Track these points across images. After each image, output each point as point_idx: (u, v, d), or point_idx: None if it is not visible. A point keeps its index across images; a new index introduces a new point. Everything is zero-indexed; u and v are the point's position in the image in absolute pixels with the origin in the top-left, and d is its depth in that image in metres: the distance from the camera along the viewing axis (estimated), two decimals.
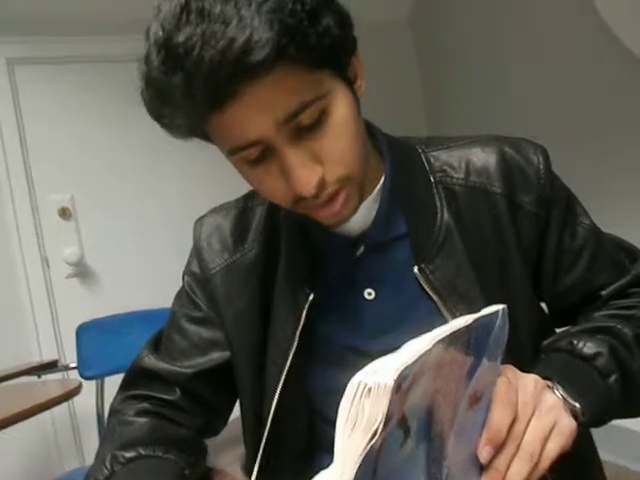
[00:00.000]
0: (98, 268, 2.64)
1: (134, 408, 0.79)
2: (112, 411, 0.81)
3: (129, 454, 0.70)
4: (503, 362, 0.66)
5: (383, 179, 0.75)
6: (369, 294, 0.75)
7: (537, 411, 0.57)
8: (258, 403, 0.77)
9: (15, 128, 2.53)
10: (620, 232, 0.85)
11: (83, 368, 2.16)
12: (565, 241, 0.77)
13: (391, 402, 0.35)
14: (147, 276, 2.61)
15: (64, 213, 2.56)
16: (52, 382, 1.81)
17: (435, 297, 0.71)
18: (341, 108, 0.63)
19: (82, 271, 2.61)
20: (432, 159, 0.78)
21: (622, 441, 1.94)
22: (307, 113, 0.60)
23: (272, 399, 0.73)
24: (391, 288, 0.75)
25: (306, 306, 0.73)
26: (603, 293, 0.78)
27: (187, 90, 0.56)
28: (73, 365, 2.18)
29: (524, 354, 0.74)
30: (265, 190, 0.67)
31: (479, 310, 0.65)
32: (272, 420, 0.73)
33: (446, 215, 0.74)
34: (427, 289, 0.72)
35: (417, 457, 0.42)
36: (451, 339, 0.45)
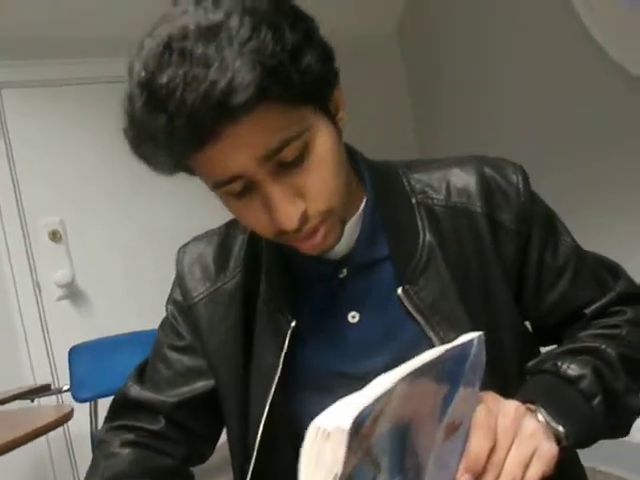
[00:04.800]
0: (89, 290, 2.64)
1: (119, 439, 0.79)
2: (98, 442, 0.82)
3: None
4: (488, 384, 0.66)
5: (364, 202, 0.76)
6: (353, 317, 0.76)
7: (517, 438, 0.57)
8: (244, 430, 0.77)
9: (4, 151, 2.54)
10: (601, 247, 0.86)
11: (76, 391, 2.16)
12: (547, 259, 0.77)
13: (350, 445, 0.36)
14: (139, 298, 2.61)
15: (54, 236, 2.56)
16: (45, 408, 1.81)
17: (419, 318, 0.72)
18: (323, 143, 0.65)
19: (73, 293, 2.62)
20: (413, 181, 0.79)
21: (615, 449, 1.95)
22: (289, 149, 0.61)
23: (258, 426, 0.73)
24: (375, 310, 0.76)
25: (288, 333, 0.74)
26: (586, 311, 0.78)
27: (170, 131, 0.56)
28: (66, 388, 2.18)
29: (509, 375, 0.74)
30: (248, 222, 0.68)
31: (463, 331, 0.66)
32: (259, 447, 0.73)
33: (428, 236, 0.75)
34: (411, 310, 0.72)
35: None
36: (422, 372, 0.46)
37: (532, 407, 0.63)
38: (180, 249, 0.87)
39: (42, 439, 2.07)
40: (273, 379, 0.73)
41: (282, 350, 0.73)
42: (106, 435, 0.81)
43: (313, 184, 0.64)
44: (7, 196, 2.52)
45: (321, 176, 0.65)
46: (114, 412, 0.84)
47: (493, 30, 2.72)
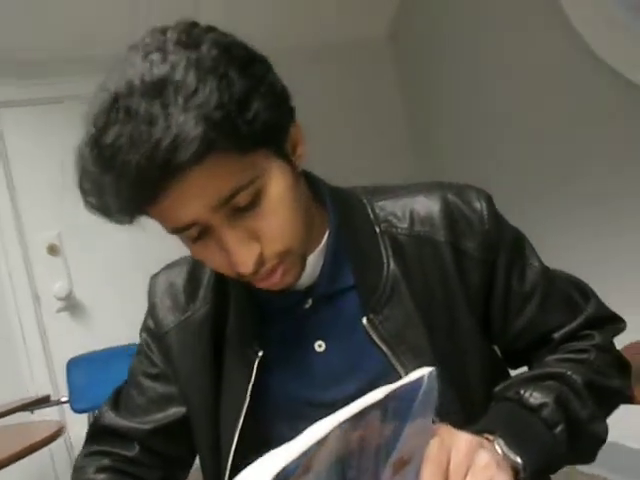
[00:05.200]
0: (87, 302, 2.69)
1: (95, 465, 0.81)
2: (75, 467, 0.83)
3: None
4: (454, 411, 0.68)
5: (328, 233, 0.76)
6: (319, 346, 0.76)
7: (471, 471, 0.56)
8: (216, 457, 0.78)
9: (1, 168, 2.59)
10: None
11: (74, 402, 2.20)
12: (513, 284, 0.77)
13: None
14: (136, 310, 2.63)
15: (52, 249, 2.61)
16: (38, 424, 1.84)
17: (384, 347, 0.72)
18: (277, 186, 0.65)
19: (72, 305, 2.66)
20: (377, 209, 0.78)
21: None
22: (241, 195, 0.61)
23: (228, 454, 0.74)
24: (341, 339, 0.76)
25: (255, 363, 0.74)
26: (555, 335, 0.78)
27: (118, 189, 0.57)
28: (65, 399, 2.22)
29: (476, 401, 0.74)
30: (208, 264, 0.69)
31: (428, 360, 0.69)
32: (230, 474, 0.74)
33: (392, 265, 0.75)
34: (376, 340, 0.72)
35: None
36: (362, 415, 0.47)
37: (490, 437, 0.62)
38: (152, 278, 0.88)
39: (45, 450, 2.11)
40: (241, 409, 0.74)
41: (250, 380, 0.74)
42: (83, 461, 0.83)
43: (268, 227, 0.64)
44: (5, 211, 2.57)
45: (276, 219, 0.65)
46: (91, 437, 0.85)
47: (494, 31, 2.67)
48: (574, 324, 0.78)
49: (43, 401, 2.15)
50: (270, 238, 0.65)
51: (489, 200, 0.78)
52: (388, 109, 3.33)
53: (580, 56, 2.22)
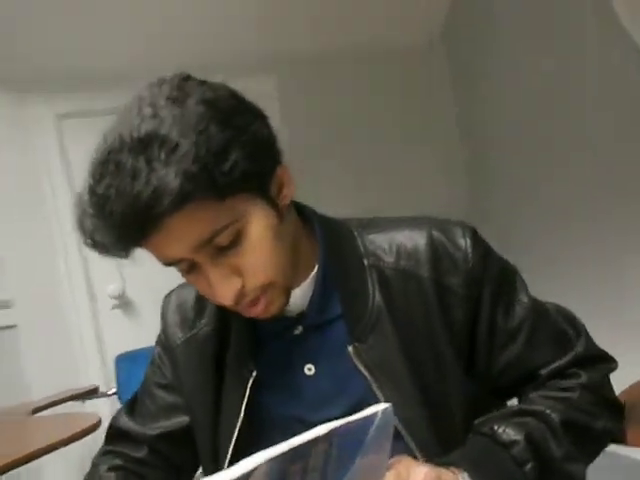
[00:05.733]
0: (138, 301, 2.85)
1: (108, 463, 0.90)
2: (92, 464, 0.93)
3: None
4: (432, 442, 0.72)
5: (317, 265, 0.80)
6: (309, 369, 0.81)
7: None
8: (215, 467, 0.82)
9: (65, 180, 2.75)
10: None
11: (122, 394, 2.35)
12: (498, 320, 0.78)
13: None
14: None
15: None
16: (79, 415, 1.99)
17: (367, 375, 0.76)
18: (257, 226, 0.70)
19: (124, 304, 2.83)
20: (367, 242, 0.81)
21: None
22: (222, 236, 0.67)
23: (224, 465, 0.79)
24: (329, 365, 0.80)
25: (249, 382, 0.80)
26: (542, 372, 0.78)
27: (108, 232, 0.65)
28: (113, 391, 2.38)
29: (455, 434, 0.76)
30: (200, 291, 0.76)
31: (406, 391, 0.74)
32: None
33: (378, 297, 0.78)
34: (359, 367, 0.76)
35: None
36: (304, 448, 0.51)
37: (456, 470, 0.65)
38: (165, 297, 0.95)
39: (89, 439, 2.26)
40: (236, 424, 0.80)
41: (244, 398, 0.80)
42: (98, 459, 0.93)
43: (249, 264, 0.70)
44: (67, 219, 2.75)
45: (256, 256, 0.70)
46: (107, 438, 0.94)
47: (550, 36, 2.58)
48: (562, 361, 0.78)
49: (92, 392, 2.31)
50: (251, 274, 0.71)
51: (474, 236, 0.80)
52: (438, 113, 3.32)
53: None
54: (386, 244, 0.81)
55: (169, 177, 0.62)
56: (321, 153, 3.04)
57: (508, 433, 0.71)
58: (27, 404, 2.38)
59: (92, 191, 0.66)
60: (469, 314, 0.78)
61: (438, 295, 0.78)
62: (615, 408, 0.80)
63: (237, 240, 0.69)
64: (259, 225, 0.71)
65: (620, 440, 0.79)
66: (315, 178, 2.94)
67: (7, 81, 2.66)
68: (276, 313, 0.77)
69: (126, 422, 0.94)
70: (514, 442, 0.70)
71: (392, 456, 0.64)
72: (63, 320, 2.71)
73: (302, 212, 0.84)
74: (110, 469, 0.90)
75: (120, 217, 0.63)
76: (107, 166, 0.65)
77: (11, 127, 2.68)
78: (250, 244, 0.70)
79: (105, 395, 2.42)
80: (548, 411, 0.74)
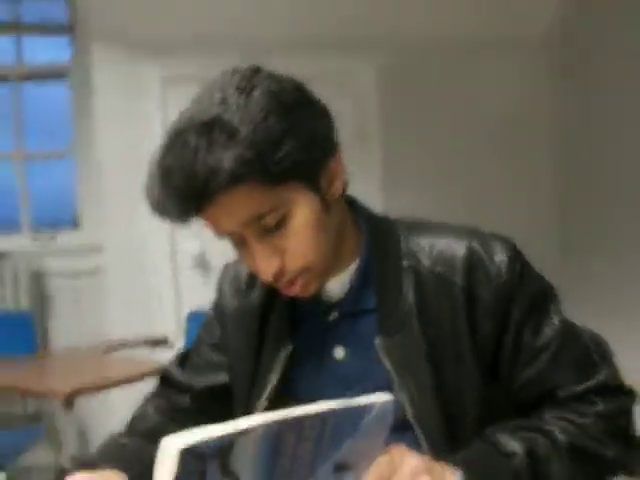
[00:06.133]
0: (215, 264, 2.97)
1: (154, 404, 1.00)
2: (143, 402, 1.04)
3: (121, 440, 0.91)
4: (443, 443, 0.76)
5: (358, 259, 0.86)
6: (338, 353, 0.86)
7: None
8: None
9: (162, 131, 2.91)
10: None
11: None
12: (524, 337, 0.80)
13: (181, 463, 0.49)
14: None
15: None
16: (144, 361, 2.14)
17: (390, 366, 0.80)
18: (301, 214, 0.75)
19: (202, 264, 2.96)
20: (410, 243, 0.85)
21: None
22: (268, 218, 0.72)
23: None
24: (357, 352, 0.86)
25: (283, 356, 0.87)
26: (560, 393, 0.80)
27: (170, 202, 0.72)
28: (181, 344, 2.52)
29: (466, 433, 0.79)
30: (247, 265, 0.83)
31: (425, 389, 0.78)
32: None
33: (410, 297, 0.82)
34: (384, 359, 0.81)
35: None
36: (299, 420, 0.57)
37: (450, 468, 0.68)
38: (224, 267, 1.02)
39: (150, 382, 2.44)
40: (265, 393, 0.87)
41: (276, 369, 0.87)
42: (148, 399, 1.02)
43: (290, 246, 0.76)
44: None
45: (298, 241, 0.76)
46: (160, 381, 1.03)
47: None
48: (582, 386, 0.79)
49: (162, 342, 2.47)
50: (291, 256, 0.77)
51: (513, 253, 0.82)
52: (538, 110, 3.23)
53: None
54: (427, 248, 0.85)
55: (225, 159, 0.68)
56: (417, 139, 3.04)
57: (511, 444, 0.73)
58: (104, 343, 2.59)
59: (159, 163, 0.73)
60: (495, 327, 0.80)
61: (467, 303, 0.80)
62: (629, 440, 0.80)
63: (282, 223, 0.75)
64: (304, 213, 0.75)
65: (631, 472, 0.80)
66: (408, 164, 2.96)
67: (120, 42, 2.83)
68: (312, 295, 0.82)
69: (176, 372, 1.02)
70: (514, 454, 0.72)
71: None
72: (146, 271, 2.89)
73: (352, 206, 0.88)
74: (156, 410, 0.99)
75: (179, 190, 0.70)
76: (175, 142, 0.71)
77: (120, 87, 2.85)
78: (293, 229, 0.75)
79: (173, 347, 2.57)
80: (557, 432, 0.75)
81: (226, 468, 0.54)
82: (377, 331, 0.83)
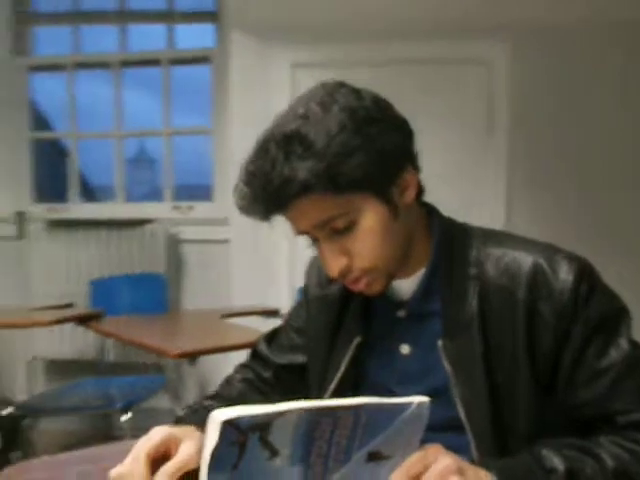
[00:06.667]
0: None
1: (242, 373, 1.11)
2: (234, 370, 1.15)
3: (207, 402, 1.01)
4: (490, 443, 0.79)
5: (427, 265, 0.90)
6: (404, 349, 0.92)
7: None
8: None
9: None
10: None
11: None
12: (587, 357, 0.80)
13: (223, 433, 0.57)
14: None
15: None
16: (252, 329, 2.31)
17: (449, 368, 0.85)
18: (368, 221, 0.80)
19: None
20: (480, 253, 0.87)
21: None
22: (337, 222, 0.79)
23: None
24: (420, 350, 0.90)
25: (353, 345, 0.94)
26: (620, 419, 0.79)
27: (249, 202, 0.80)
28: None
29: (515, 440, 0.81)
30: (320, 262, 0.90)
31: (480, 394, 0.81)
32: None
33: (474, 305, 0.85)
34: (444, 360, 0.85)
35: (290, 472, 0.64)
36: (333, 410, 0.62)
37: (485, 473, 0.70)
38: (312, 258, 1.10)
39: None
40: (335, 378, 0.95)
41: (346, 357, 0.94)
42: (238, 368, 1.14)
43: (356, 249, 0.82)
44: None
45: (365, 245, 0.81)
46: (249, 355, 1.16)
47: None
48: None
49: (274, 313, 2.65)
50: (357, 257, 0.83)
51: (581, 273, 0.82)
52: None
53: None
54: (496, 259, 0.87)
55: (299, 170, 0.75)
56: (548, 122, 2.93)
57: (554, 461, 0.74)
58: (224, 308, 2.82)
59: (245, 168, 0.81)
60: (555, 344, 0.82)
61: (528, 317, 0.82)
62: None
63: (350, 227, 0.81)
64: (371, 220, 0.81)
65: None
66: (539, 150, 2.87)
67: (256, 29, 2.98)
68: (380, 293, 0.88)
69: (264, 347, 1.14)
70: (555, 470, 0.73)
71: (448, 447, 0.71)
72: (266, 246, 3.05)
73: (430, 213, 0.93)
74: (242, 380, 1.12)
75: (258, 195, 0.79)
76: (259, 150, 0.80)
77: (254, 71, 3.03)
78: (360, 234, 0.82)
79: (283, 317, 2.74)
80: (608, 457, 0.75)
81: (265, 442, 0.62)
82: (440, 333, 0.87)
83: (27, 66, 3.54)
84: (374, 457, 0.67)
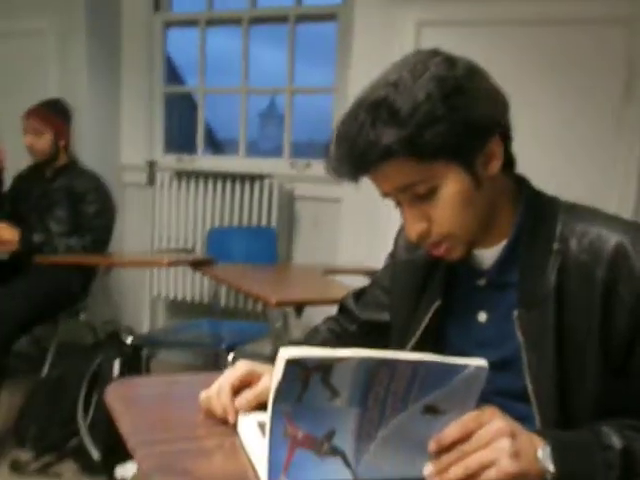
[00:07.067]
0: None
1: (328, 324, 1.20)
2: (322, 321, 1.24)
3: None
4: (554, 415, 0.80)
5: (510, 237, 0.91)
6: (481, 317, 0.95)
7: (489, 445, 0.68)
8: None
9: None
10: None
11: None
12: None
13: (287, 370, 0.64)
14: None
15: None
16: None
17: (521, 339, 0.87)
18: (449, 188, 0.82)
19: None
20: (564, 227, 0.87)
21: None
22: (419, 187, 0.82)
23: None
24: (497, 319, 0.93)
25: (433, 308, 0.98)
26: None
27: (337, 163, 0.84)
28: None
29: (580, 414, 0.82)
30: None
31: (548, 367, 0.82)
32: None
33: (552, 280, 0.85)
34: (517, 331, 0.87)
35: (348, 413, 0.69)
36: (391, 362, 0.67)
37: (540, 441, 0.71)
38: (402, 223, 1.14)
39: None
40: (414, 337, 0.99)
41: (426, 318, 0.98)
42: (326, 320, 1.23)
43: (436, 215, 0.84)
44: None
45: (444, 211, 0.83)
46: (339, 307, 1.23)
47: None
48: None
49: (374, 274, 2.67)
50: (436, 223, 0.86)
51: None
52: None
53: None
54: (579, 234, 0.86)
55: (383, 136, 0.78)
56: None
57: (612, 438, 0.74)
58: (329, 265, 2.90)
59: (337, 129, 0.86)
60: (631, 326, 0.80)
61: (605, 297, 0.81)
62: None
63: (431, 193, 0.83)
64: (451, 187, 0.83)
65: None
66: None
67: None
68: (456, 259, 0.90)
69: (351, 302, 1.20)
70: (611, 447, 0.73)
71: (515, 416, 0.74)
72: (374, 209, 3.08)
73: (520, 184, 0.92)
74: (328, 330, 1.19)
75: (344, 157, 0.83)
76: (350, 114, 0.84)
77: (378, 29, 3.00)
78: (441, 200, 0.83)
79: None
80: None
81: (327, 382, 0.68)
82: (516, 305, 0.88)
83: (164, 22, 3.75)
84: (430, 410, 0.71)
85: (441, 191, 0.83)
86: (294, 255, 3.36)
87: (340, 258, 3.05)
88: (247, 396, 0.88)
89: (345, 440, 0.71)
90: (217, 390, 0.90)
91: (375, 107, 0.80)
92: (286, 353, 0.66)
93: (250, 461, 0.77)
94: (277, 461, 0.69)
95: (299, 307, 2.34)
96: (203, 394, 0.92)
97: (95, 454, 2.25)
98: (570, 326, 0.84)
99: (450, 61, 0.84)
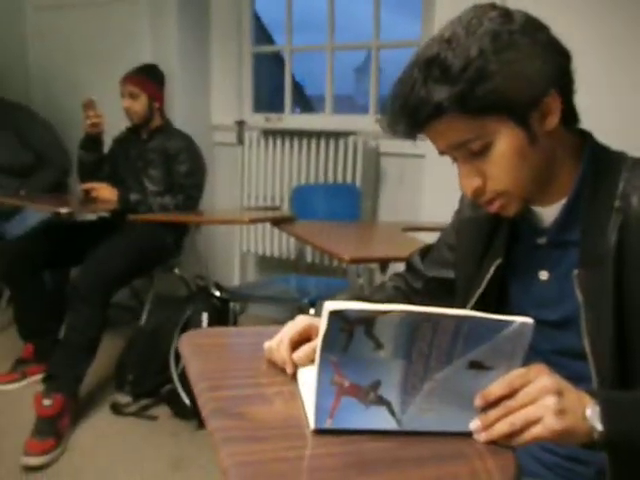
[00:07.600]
0: None
1: (394, 281, 1.22)
2: (389, 278, 1.26)
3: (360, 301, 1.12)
4: (611, 375, 0.79)
5: (571, 194, 0.88)
6: (542, 275, 0.94)
7: (535, 402, 0.68)
8: None
9: None
10: None
11: None
12: None
13: (331, 321, 0.67)
14: None
15: None
16: None
17: (580, 298, 0.86)
18: (503, 144, 0.81)
19: None
20: (628, 184, 0.84)
21: None
22: (473, 144, 0.82)
23: None
24: (557, 278, 0.92)
25: (494, 266, 0.97)
26: None
27: (392, 121, 0.85)
28: None
29: (638, 382, 0.81)
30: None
31: (604, 329, 0.82)
32: None
33: (614, 238, 0.83)
34: (577, 290, 0.86)
35: (393, 365, 0.71)
36: (435, 317, 0.68)
37: (589, 400, 0.70)
38: None
39: None
40: (476, 294, 1.00)
41: (487, 276, 0.98)
42: (392, 276, 1.25)
43: (490, 171, 0.84)
44: None
45: (498, 167, 0.82)
46: (406, 265, 1.25)
47: None
48: None
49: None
50: (490, 179, 0.85)
51: None
52: None
53: None
54: None
55: (434, 93, 0.78)
56: None
57: None
58: (411, 222, 2.89)
59: (393, 87, 0.86)
60: None
61: None
62: None
63: (486, 150, 0.82)
64: (505, 143, 0.81)
65: None
66: None
67: None
68: (510, 215, 0.89)
69: (417, 260, 1.21)
70: None
71: (573, 375, 0.74)
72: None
73: (585, 140, 0.89)
74: (393, 287, 1.21)
75: (398, 114, 0.84)
76: (405, 72, 0.84)
77: None
78: (495, 156, 0.82)
79: None
80: None
81: (370, 334, 0.71)
82: (577, 264, 0.88)
83: None
84: (475, 365, 0.72)
85: (495, 147, 0.82)
86: (379, 213, 3.36)
87: (423, 215, 3.02)
88: (305, 349, 0.92)
89: (391, 391, 0.74)
90: (278, 342, 0.95)
91: (428, 64, 0.80)
92: (330, 305, 0.68)
93: (303, 408, 0.81)
94: (324, 407, 0.73)
95: (383, 264, 2.37)
96: (266, 345, 0.97)
97: (187, 400, 2.41)
98: (630, 285, 0.82)
99: (506, 15, 0.81)
